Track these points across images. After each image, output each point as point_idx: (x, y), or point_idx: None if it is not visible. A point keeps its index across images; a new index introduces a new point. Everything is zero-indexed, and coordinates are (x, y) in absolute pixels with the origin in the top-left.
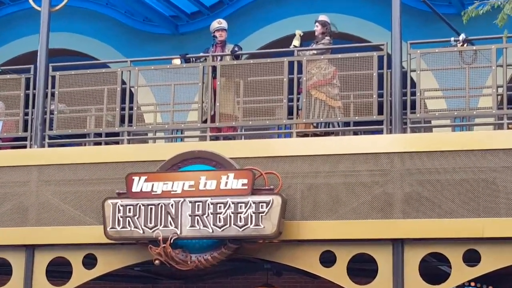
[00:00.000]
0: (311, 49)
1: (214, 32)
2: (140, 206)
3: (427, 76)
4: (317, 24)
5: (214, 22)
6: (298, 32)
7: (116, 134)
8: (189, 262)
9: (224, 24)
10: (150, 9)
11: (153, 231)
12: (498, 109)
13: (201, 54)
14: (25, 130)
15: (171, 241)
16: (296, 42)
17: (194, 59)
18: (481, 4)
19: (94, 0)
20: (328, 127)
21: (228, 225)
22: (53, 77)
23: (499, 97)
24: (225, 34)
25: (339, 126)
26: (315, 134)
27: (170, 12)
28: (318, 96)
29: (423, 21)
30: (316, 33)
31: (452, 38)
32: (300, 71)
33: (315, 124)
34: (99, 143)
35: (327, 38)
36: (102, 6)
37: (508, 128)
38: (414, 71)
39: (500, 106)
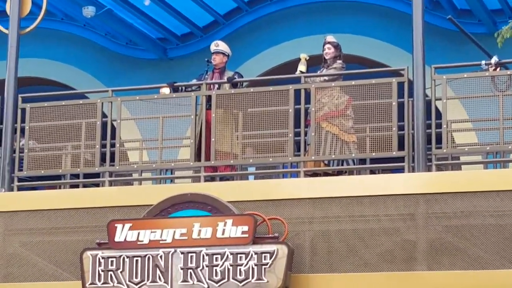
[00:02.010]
0: (321, 75)
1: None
2: (124, 258)
3: (455, 105)
4: (328, 45)
5: (212, 44)
6: (304, 56)
7: (96, 175)
8: None
9: (222, 46)
10: (134, 31)
11: (139, 287)
12: None
13: (194, 81)
14: None
15: None
16: (302, 67)
17: (184, 87)
18: None
19: (70, 21)
20: (342, 165)
21: (226, 280)
22: (23, 110)
23: None
24: (220, 59)
25: (353, 164)
26: (326, 174)
27: (157, 34)
28: (330, 129)
29: (449, 42)
30: (327, 57)
31: (483, 62)
32: (308, 101)
33: (326, 162)
34: (76, 186)
35: (339, 62)
36: (79, 27)
37: None
38: (440, 99)
39: None
